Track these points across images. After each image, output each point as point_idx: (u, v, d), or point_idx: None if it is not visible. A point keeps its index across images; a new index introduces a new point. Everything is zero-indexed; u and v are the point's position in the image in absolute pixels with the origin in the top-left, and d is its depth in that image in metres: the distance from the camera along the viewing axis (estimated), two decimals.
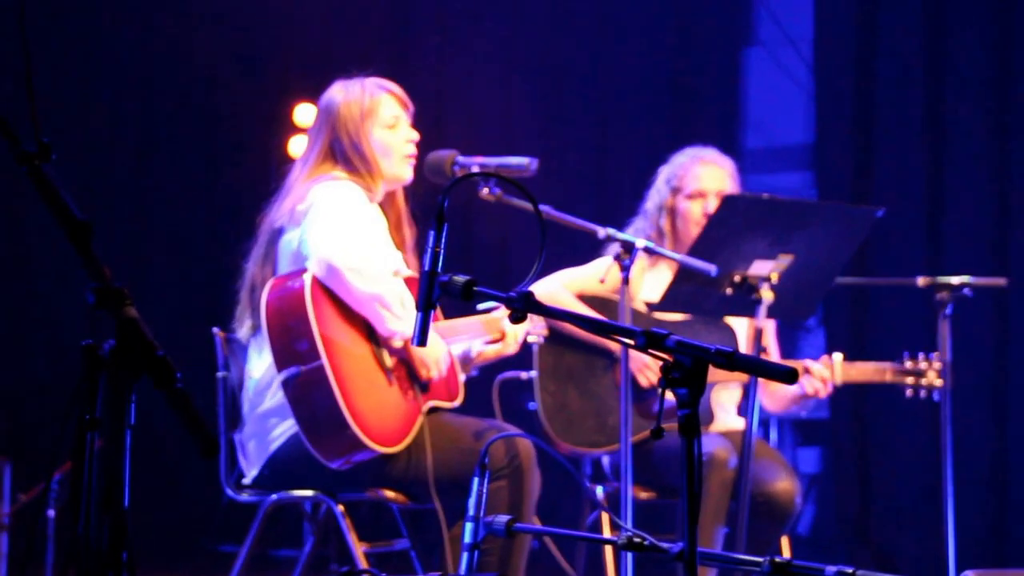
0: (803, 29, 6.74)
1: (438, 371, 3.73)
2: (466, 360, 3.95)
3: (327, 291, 3.60)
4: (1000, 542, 5.98)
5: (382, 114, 3.84)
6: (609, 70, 6.87)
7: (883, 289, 6.06)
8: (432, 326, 3.75)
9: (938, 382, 4.39)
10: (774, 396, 4.42)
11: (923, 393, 4.42)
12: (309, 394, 3.56)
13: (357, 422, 3.54)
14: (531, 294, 2.19)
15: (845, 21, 6.35)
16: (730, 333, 4.34)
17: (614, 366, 4.30)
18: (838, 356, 4.36)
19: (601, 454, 4.37)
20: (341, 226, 3.59)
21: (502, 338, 3.92)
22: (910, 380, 4.43)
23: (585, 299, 4.33)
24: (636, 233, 4.45)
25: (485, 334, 3.94)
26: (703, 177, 4.43)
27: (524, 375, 4.38)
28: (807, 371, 4.30)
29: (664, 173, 4.52)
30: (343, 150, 3.80)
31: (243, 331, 3.78)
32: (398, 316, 3.62)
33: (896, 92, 6.25)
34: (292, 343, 3.58)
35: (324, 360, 3.54)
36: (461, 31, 7.02)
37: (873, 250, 6.05)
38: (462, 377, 3.90)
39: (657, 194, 4.50)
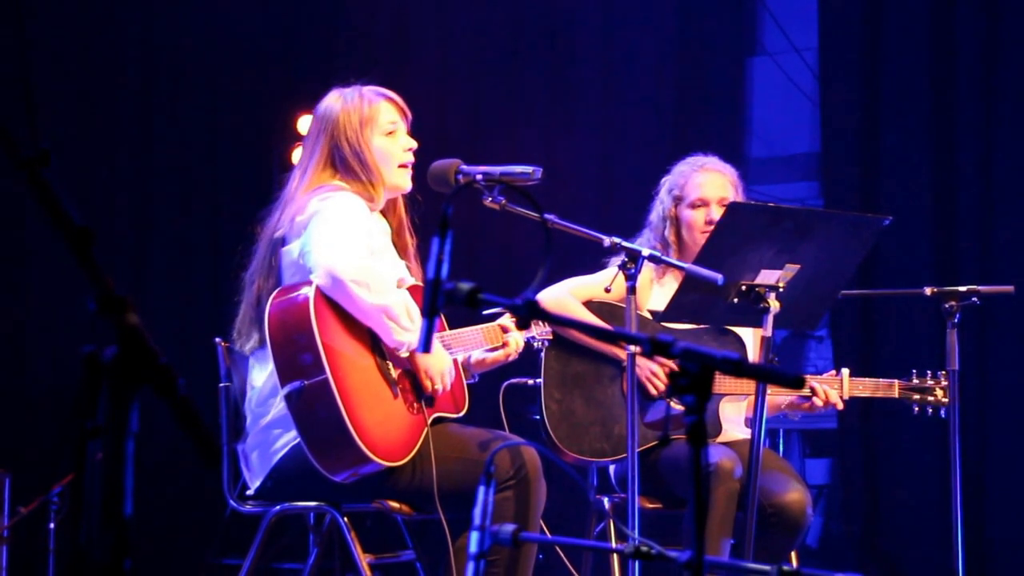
0: (808, 38, 6.73)
1: (443, 384, 3.72)
2: (465, 366, 3.94)
3: (331, 303, 3.57)
4: (1009, 553, 5.95)
5: (381, 121, 3.82)
6: (614, 79, 6.87)
7: (891, 299, 6.04)
8: (437, 336, 3.77)
9: (945, 400, 4.37)
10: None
11: (930, 410, 4.41)
12: (313, 408, 3.53)
13: (362, 436, 3.51)
14: (536, 301, 2.17)
15: (850, 29, 6.34)
16: (739, 342, 4.32)
17: (621, 375, 4.28)
18: (845, 371, 4.34)
19: (607, 463, 4.35)
20: (343, 237, 3.56)
21: (504, 346, 3.91)
22: (917, 397, 4.42)
23: (592, 306, 4.31)
24: (642, 245, 4.44)
25: (486, 343, 3.93)
26: (704, 185, 4.42)
27: (530, 382, 4.36)
28: (812, 391, 4.29)
29: (666, 183, 4.51)
30: (343, 158, 3.78)
31: (250, 344, 3.73)
32: (405, 328, 3.60)
33: (902, 100, 6.24)
34: (296, 356, 3.55)
35: (328, 374, 3.51)
36: (464, 39, 7.01)
37: (880, 259, 6.04)
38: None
39: (660, 205, 4.49)
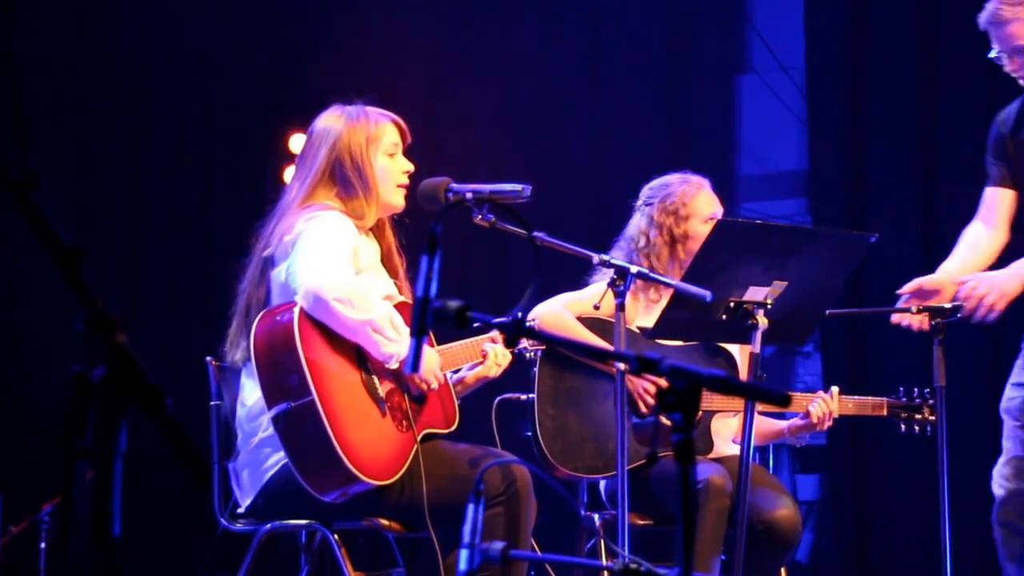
0: (795, 56, 6.76)
1: (436, 381, 3.72)
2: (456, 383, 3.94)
3: (316, 323, 3.57)
4: (997, 569, 5.95)
5: (385, 142, 3.85)
6: (603, 97, 6.89)
7: (878, 315, 6.05)
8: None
9: (932, 418, 4.39)
10: (757, 429, 4.37)
11: (916, 428, 4.43)
12: (300, 430, 3.53)
13: (350, 456, 3.51)
14: (522, 319, 2.18)
15: (837, 47, 6.37)
16: (730, 360, 4.33)
17: (614, 391, 4.28)
18: (835, 389, 4.36)
19: (599, 479, 4.35)
20: (326, 257, 3.57)
21: (484, 357, 3.89)
22: (904, 415, 4.44)
23: (585, 321, 4.31)
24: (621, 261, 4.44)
25: (471, 359, 3.92)
26: (713, 202, 4.46)
27: (523, 397, 4.36)
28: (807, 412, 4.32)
29: (663, 204, 4.47)
30: (344, 173, 3.79)
31: (239, 354, 3.74)
32: (391, 339, 3.60)
33: (889, 118, 6.26)
34: (282, 378, 3.55)
35: (314, 395, 3.51)
36: (455, 60, 7.03)
37: (868, 276, 6.05)
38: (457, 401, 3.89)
39: (653, 224, 4.46)
